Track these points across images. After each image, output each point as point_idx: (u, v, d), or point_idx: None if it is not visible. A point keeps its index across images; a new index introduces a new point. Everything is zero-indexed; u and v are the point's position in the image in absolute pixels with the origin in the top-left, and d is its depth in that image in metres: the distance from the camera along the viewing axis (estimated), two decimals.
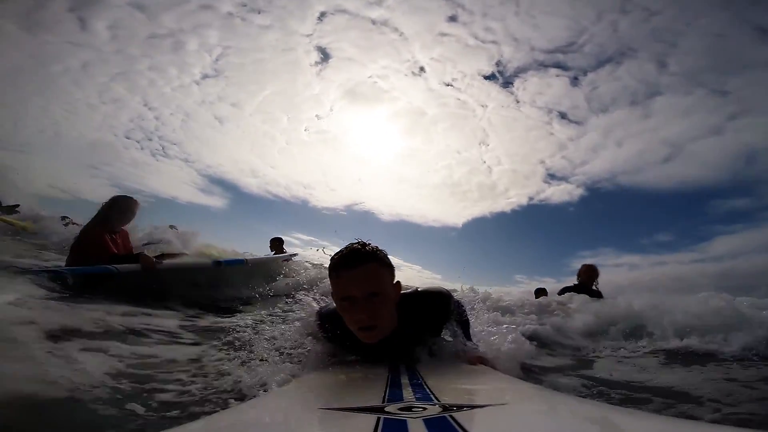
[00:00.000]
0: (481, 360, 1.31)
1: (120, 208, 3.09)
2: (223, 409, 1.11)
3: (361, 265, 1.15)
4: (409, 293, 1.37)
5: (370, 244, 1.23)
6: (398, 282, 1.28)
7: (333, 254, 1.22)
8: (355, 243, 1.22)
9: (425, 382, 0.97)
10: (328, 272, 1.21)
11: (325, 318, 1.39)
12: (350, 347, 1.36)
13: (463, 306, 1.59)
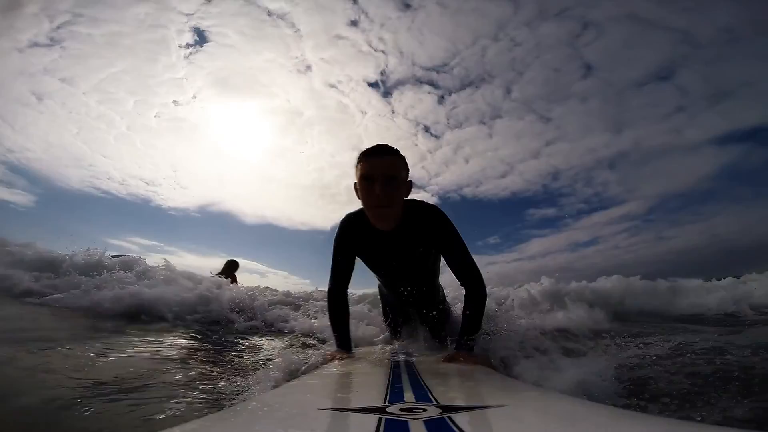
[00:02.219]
0: (462, 357, 1.36)
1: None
2: (222, 408, 1.12)
3: (385, 155, 1.43)
4: (415, 199, 1.61)
5: (391, 146, 1.47)
6: (410, 181, 1.53)
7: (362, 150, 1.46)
8: (383, 143, 1.47)
9: (425, 383, 0.97)
10: (356, 163, 1.46)
11: (346, 219, 1.64)
12: (365, 241, 1.59)
13: (478, 298, 1.54)
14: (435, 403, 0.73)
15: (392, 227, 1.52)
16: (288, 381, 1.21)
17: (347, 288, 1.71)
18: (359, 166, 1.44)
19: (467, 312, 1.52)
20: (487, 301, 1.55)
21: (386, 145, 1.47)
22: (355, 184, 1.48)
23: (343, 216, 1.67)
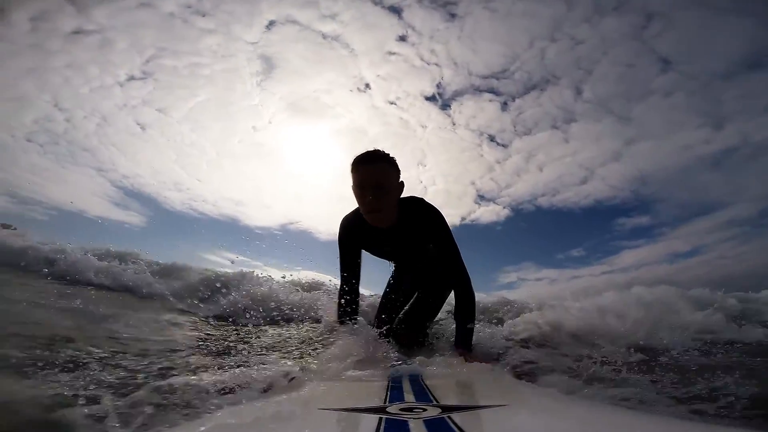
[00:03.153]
0: (462, 355, 1.42)
1: None
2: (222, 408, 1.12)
3: (375, 163, 1.50)
4: (411, 197, 1.68)
5: (381, 150, 1.54)
6: (402, 182, 1.60)
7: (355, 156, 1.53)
8: (372, 149, 1.54)
9: (425, 383, 0.97)
10: (350, 170, 1.53)
11: (346, 219, 1.75)
12: (365, 237, 1.70)
13: (467, 298, 1.62)
14: (435, 402, 0.73)
15: (388, 225, 1.61)
16: (288, 380, 1.21)
17: (357, 283, 1.78)
18: (353, 174, 1.52)
19: (460, 312, 1.59)
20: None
21: (376, 152, 1.54)
22: (353, 187, 1.57)
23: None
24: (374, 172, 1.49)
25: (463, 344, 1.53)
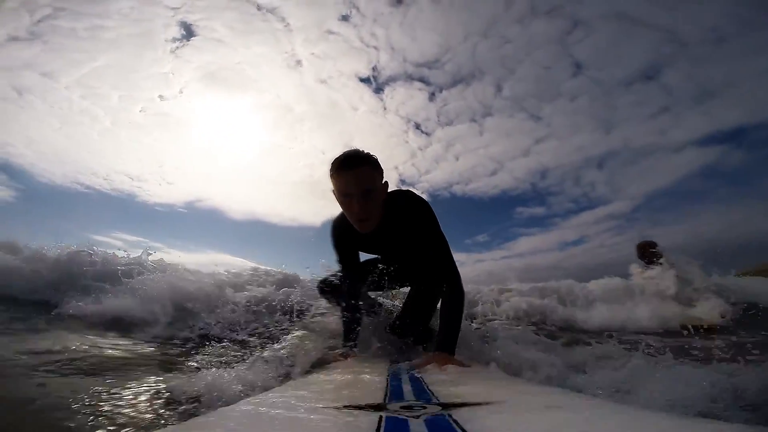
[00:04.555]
0: (442, 360, 1.25)
1: None
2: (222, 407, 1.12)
3: (357, 167, 1.39)
4: (397, 190, 1.61)
5: (366, 151, 1.45)
6: (386, 182, 1.52)
7: (334, 158, 1.43)
8: (351, 150, 1.44)
9: (425, 381, 0.98)
10: (329, 173, 1.42)
11: (334, 224, 1.70)
12: (355, 239, 1.65)
13: (455, 297, 1.50)
14: (435, 400, 0.73)
15: (375, 227, 1.52)
16: (289, 380, 1.21)
17: (360, 278, 1.76)
18: (334, 180, 1.43)
19: (446, 311, 1.45)
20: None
21: (357, 155, 1.43)
22: (334, 191, 1.48)
23: (330, 216, 1.72)
24: (358, 178, 1.39)
25: (445, 346, 1.36)
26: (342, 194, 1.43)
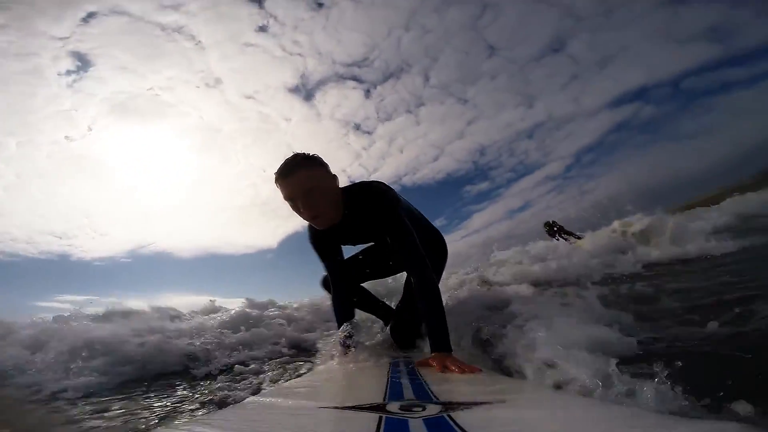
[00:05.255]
0: (441, 360, 1.19)
1: None
2: (222, 407, 1.13)
3: (295, 171, 1.42)
4: (359, 182, 1.64)
5: (305, 153, 1.49)
6: (335, 175, 1.54)
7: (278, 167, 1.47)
8: (290, 156, 1.47)
9: (424, 381, 0.98)
10: (274, 180, 1.46)
11: (309, 224, 1.67)
12: (326, 235, 1.69)
13: (425, 285, 1.41)
14: (434, 400, 0.74)
15: (337, 220, 1.53)
16: (289, 380, 1.21)
17: (346, 274, 1.78)
18: (280, 190, 1.46)
19: (425, 308, 1.37)
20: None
21: (295, 158, 1.45)
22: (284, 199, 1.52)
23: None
24: (297, 182, 1.41)
25: (439, 345, 1.27)
26: (287, 200, 1.46)
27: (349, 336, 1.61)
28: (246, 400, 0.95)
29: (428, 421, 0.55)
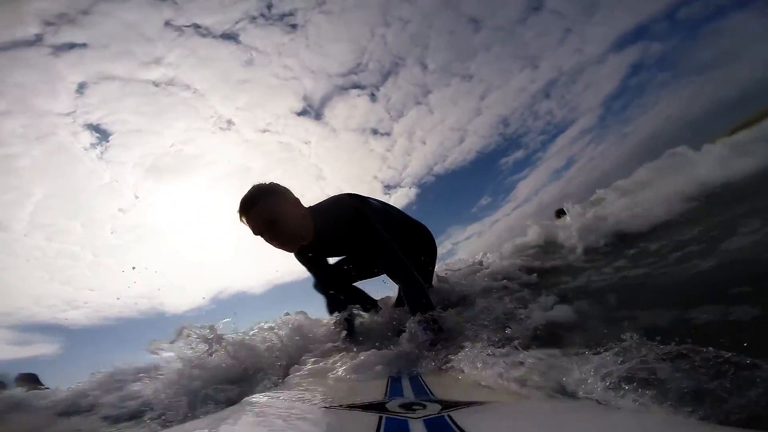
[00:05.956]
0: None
1: None
2: (223, 408, 1.13)
3: (251, 209, 1.43)
4: (320, 203, 1.65)
5: (261, 184, 1.49)
6: (296, 199, 1.54)
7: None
8: (246, 192, 1.46)
9: (424, 380, 0.98)
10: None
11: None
12: (307, 253, 1.73)
13: (409, 288, 1.45)
14: (434, 400, 0.74)
15: (309, 240, 1.55)
16: (289, 379, 1.21)
17: (335, 280, 1.83)
18: (244, 226, 1.49)
19: (412, 307, 1.39)
20: None
21: (251, 195, 1.45)
22: None
23: None
24: (257, 217, 1.43)
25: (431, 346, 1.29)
26: (253, 234, 1.48)
27: (345, 321, 1.69)
28: (244, 400, 0.95)
29: (428, 421, 0.55)
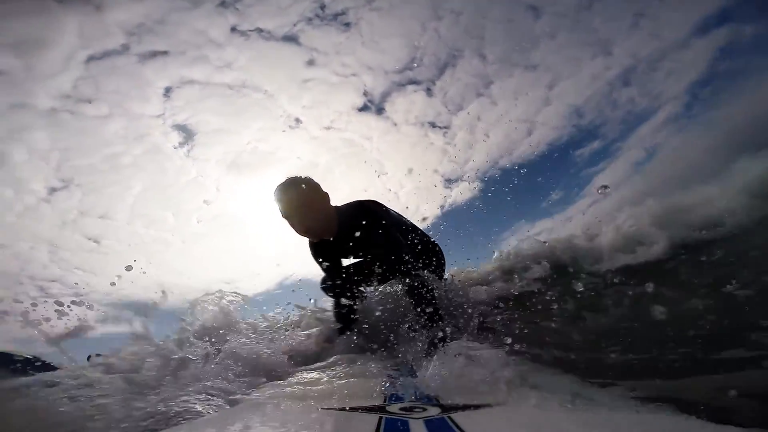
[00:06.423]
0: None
1: None
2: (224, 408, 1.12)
3: (287, 192, 1.58)
4: (345, 204, 1.74)
5: (297, 176, 1.63)
6: (326, 193, 1.66)
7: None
8: (285, 180, 1.60)
9: (424, 383, 0.98)
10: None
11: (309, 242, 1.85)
12: (324, 249, 1.79)
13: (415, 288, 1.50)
14: (435, 402, 0.74)
15: (332, 235, 1.66)
16: (289, 379, 1.21)
17: (344, 280, 1.85)
18: (277, 207, 1.61)
19: (417, 307, 1.47)
20: None
21: (287, 181, 1.61)
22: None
23: None
24: (289, 200, 1.58)
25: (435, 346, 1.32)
26: (284, 217, 1.61)
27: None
28: (246, 400, 0.95)
29: (429, 423, 0.55)
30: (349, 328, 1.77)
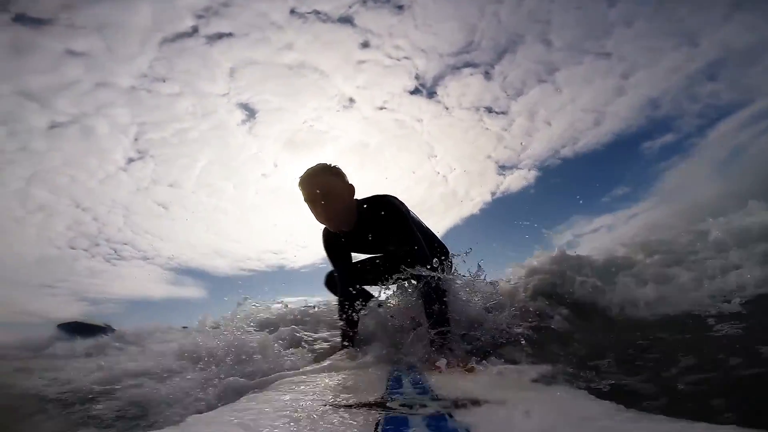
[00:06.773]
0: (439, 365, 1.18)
1: None
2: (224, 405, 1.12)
3: (313, 178, 1.60)
4: (372, 195, 1.73)
5: (325, 164, 1.66)
6: (351, 185, 1.68)
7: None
8: (314, 165, 1.64)
9: (425, 380, 0.98)
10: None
11: (323, 230, 1.83)
12: (338, 242, 1.79)
13: (428, 287, 1.47)
14: (435, 398, 0.74)
15: (350, 228, 1.66)
16: (290, 377, 1.21)
17: (354, 276, 1.86)
18: (301, 193, 1.63)
19: (427, 305, 1.47)
20: None
21: (315, 167, 1.63)
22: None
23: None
24: (314, 186, 1.58)
25: (442, 345, 1.36)
26: (307, 202, 1.62)
27: (351, 344, 1.70)
28: (246, 397, 0.95)
29: (429, 419, 0.55)
30: (354, 329, 1.75)
